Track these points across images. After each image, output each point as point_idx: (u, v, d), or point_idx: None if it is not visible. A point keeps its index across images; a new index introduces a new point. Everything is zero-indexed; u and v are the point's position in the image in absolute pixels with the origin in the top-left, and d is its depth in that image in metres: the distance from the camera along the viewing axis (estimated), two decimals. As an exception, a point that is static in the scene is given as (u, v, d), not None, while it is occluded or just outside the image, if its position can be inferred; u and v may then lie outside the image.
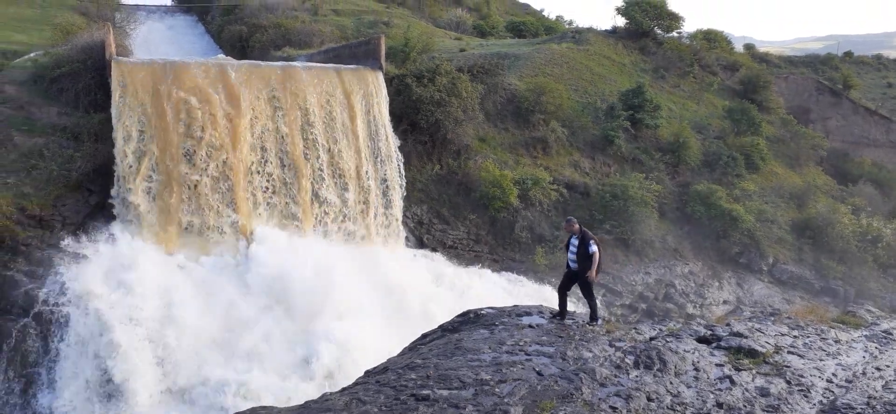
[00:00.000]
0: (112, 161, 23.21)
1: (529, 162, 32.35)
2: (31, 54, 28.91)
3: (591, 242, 12.02)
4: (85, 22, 34.84)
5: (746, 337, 11.23)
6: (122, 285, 20.99)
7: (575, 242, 12.23)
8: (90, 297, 20.68)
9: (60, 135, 24.31)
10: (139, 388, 19.17)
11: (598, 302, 12.84)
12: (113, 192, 23.14)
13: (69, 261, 21.75)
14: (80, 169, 23.62)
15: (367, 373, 11.16)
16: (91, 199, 23.88)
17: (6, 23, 36.97)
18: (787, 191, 37.74)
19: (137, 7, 51.66)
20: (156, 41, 43.61)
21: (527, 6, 73.14)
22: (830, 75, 52.35)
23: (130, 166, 23.05)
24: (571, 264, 12.38)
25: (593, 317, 12.54)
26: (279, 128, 25.24)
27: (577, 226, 12.35)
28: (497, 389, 9.16)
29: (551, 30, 57.61)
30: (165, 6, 57.23)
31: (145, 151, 23.16)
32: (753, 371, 9.99)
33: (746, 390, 9.34)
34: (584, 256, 11.99)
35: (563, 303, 12.67)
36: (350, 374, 17.37)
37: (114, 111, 23.17)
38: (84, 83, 25.18)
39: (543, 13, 71.96)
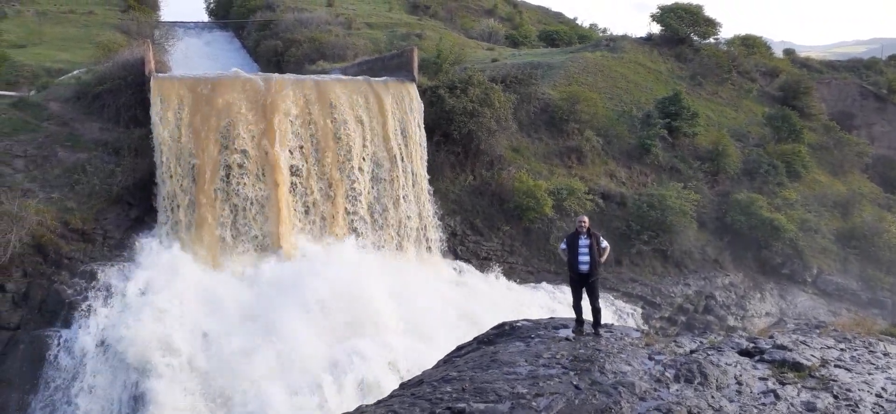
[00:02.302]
0: (152, 175, 23.70)
1: (564, 172, 32.09)
2: (75, 72, 29.74)
3: (602, 237, 11.95)
4: (126, 39, 35.77)
5: (791, 350, 10.88)
6: (162, 298, 21.29)
7: (585, 241, 11.82)
8: (130, 309, 21.02)
9: (102, 150, 24.92)
10: (176, 402, 19.38)
11: (637, 314, 12.59)
12: (156, 206, 23.56)
13: (111, 274, 22.19)
14: (120, 183, 24.17)
15: (403, 385, 11.09)
16: (131, 213, 24.38)
17: (51, 42, 38.13)
18: (831, 199, 36.77)
19: (176, 24, 52.83)
20: (194, 57, 44.49)
21: (560, 15, 72.84)
22: (875, 80, 50.91)
23: (169, 180, 23.46)
24: (583, 266, 11.87)
25: (598, 322, 12.20)
26: (314, 140, 25.46)
27: (588, 224, 12.06)
28: (534, 403, 9.00)
29: (585, 38, 57.25)
30: (203, 23, 58.44)
31: (184, 165, 23.55)
32: (799, 385, 9.66)
33: (792, 405, 9.04)
34: (596, 255, 11.72)
35: (581, 312, 12.31)
36: (385, 386, 17.36)
37: (154, 126, 23.63)
38: (125, 99, 25.79)
39: (577, 21, 71.53)
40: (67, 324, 21.17)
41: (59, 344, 20.81)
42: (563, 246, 12.33)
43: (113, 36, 36.96)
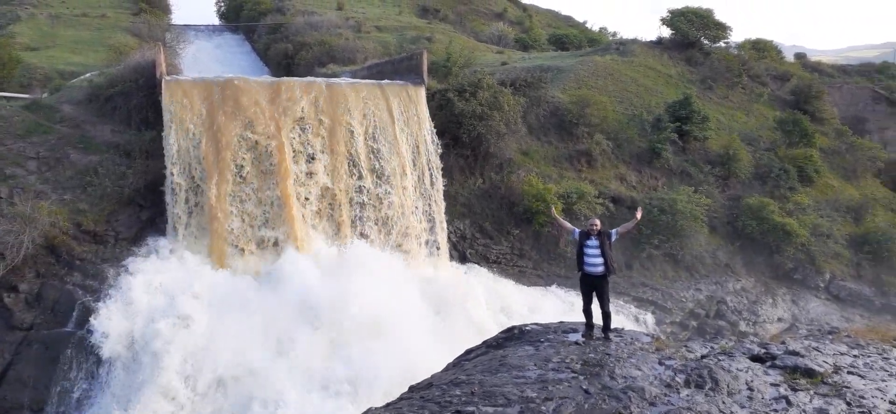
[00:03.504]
0: (163, 177, 23.82)
1: (574, 175, 32.01)
2: (87, 75, 29.96)
3: (611, 231, 11.95)
4: (137, 42, 36.03)
5: (803, 356, 10.78)
6: (172, 300, 21.40)
7: (594, 242, 11.68)
8: (141, 311, 21.13)
9: (114, 152, 25.09)
10: (183, 402, 19.45)
11: (648, 319, 12.53)
12: (167, 208, 23.69)
13: (122, 275, 22.31)
14: (132, 185, 24.33)
15: (412, 388, 11.07)
16: (143, 215, 24.53)
17: (64, 44, 38.45)
18: (844, 204, 36.49)
19: (187, 27, 53.20)
20: (204, 60, 44.77)
21: (569, 18, 72.82)
22: (887, 84, 50.51)
23: (181, 182, 23.58)
24: (594, 268, 11.72)
25: (608, 326, 12.08)
26: (325, 143, 25.52)
27: (599, 225, 11.95)
28: (543, 407, 8.97)
29: (595, 42, 57.18)
30: (213, 26, 58.81)
31: (195, 168, 23.66)
32: (811, 392, 9.57)
33: (804, 411, 8.95)
34: (607, 252, 11.64)
35: (591, 316, 12.23)
36: (394, 389, 17.32)
37: (165, 128, 23.76)
38: (136, 102, 25.97)
39: (586, 25, 71.46)
40: (80, 324, 21.31)
41: (72, 344, 20.94)
42: (575, 234, 12.24)
43: (125, 39, 37.24)
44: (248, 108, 24.42)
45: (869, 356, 11.32)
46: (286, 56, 43.72)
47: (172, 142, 23.61)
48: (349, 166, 25.93)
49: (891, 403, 9.40)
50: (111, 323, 20.88)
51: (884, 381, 10.17)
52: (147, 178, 24.53)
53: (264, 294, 22.57)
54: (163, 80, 24.53)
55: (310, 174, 25.17)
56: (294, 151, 24.88)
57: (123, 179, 24.35)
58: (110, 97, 26.42)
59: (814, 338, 12.79)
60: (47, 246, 22.53)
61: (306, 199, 25.06)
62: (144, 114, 25.86)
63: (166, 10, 53.67)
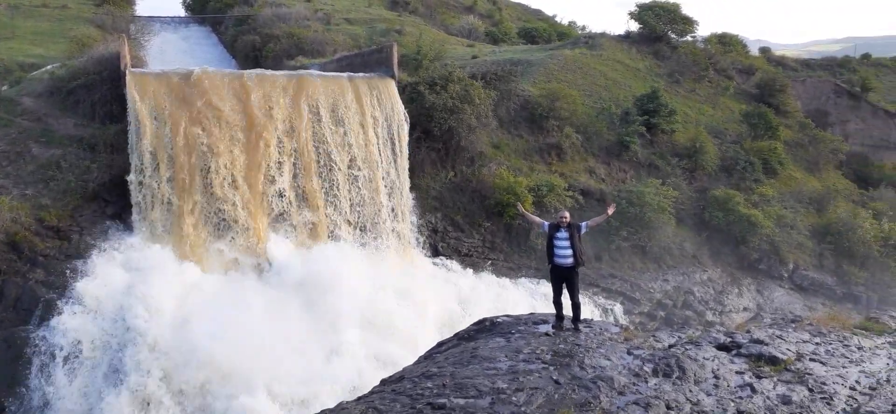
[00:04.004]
0: (128, 172, 23.37)
1: (544, 168, 32.19)
2: (48, 67, 29.22)
3: (582, 223, 12.11)
4: (100, 34, 35.23)
5: (767, 344, 11.02)
6: (138, 297, 21.05)
7: (563, 234, 11.83)
8: (106, 308, 20.77)
9: (77, 146, 24.54)
10: (152, 399, 19.18)
11: (617, 309, 12.71)
12: (133, 203, 23.26)
13: (87, 272, 21.88)
14: (96, 180, 23.85)
15: (383, 381, 11.08)
16: (108, 210, 24.06)
17: (24, 36, 37.44)
18: (807, 196, 37.27)
19: (152, 18, 52.14)
20: (170, 52, 43.94)
21: (539, 12, 73.04)
22: (848, 78, 51.67)
23: (146, 177, 23.17)
24: (564, 260, 11.88)
25: (578, 317, 12.24)
26: (293, 136, 25.28)
27: (568, 217, 12.08)
28: (514, 398, 9.04)
29: (564, 35, 57.45)
30: (179, 17, 57.74)
31: (161, 162, 23.27)
32: (775, 379, 9.79)
33: (768, 398, 9.15)
34: (577, 244, 11.77)
35: (561, 307, 12.37)
36: (366, 382, 17.31)
37: (130, 122, 23.32)
38: (100, 95, 25.42)
39: (556, 19, 71.77)
40: (43, 322, 20.86)
41: (35, 342, 20.49)
42: (544, 226, 12.37)
43: (87, 30, 36.34)
44: (215, 102, 24.07)
45: (830, 343, 11.61)
46: (254, 48, 43.12)
47: (138, 136, 23.18)
48: (318, 160, 25.72)
49: (851, 388, 9.66)
50: (75, 321, 20.49)
51: (844, 367, 10.44)
52: (112, 172, 24.04)
53: (230, 288, 22.35)
54: (127, 73, 24.06)
55: (279, 169, 24.91)
56: (261, 144, 24.59)
57: (87, 174, 23.85)
58: (73, 90, 25.83)
59: (778, 326, 13.07)
60: (8, 242, 21.98)
61: (275, 193, 24.80)
62: (109, 107, 25.32)
63: (130, 1, 52.52)
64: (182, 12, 60.16)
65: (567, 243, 11.81)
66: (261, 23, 45.22)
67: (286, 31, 42.95)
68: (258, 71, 27.57)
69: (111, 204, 24.12)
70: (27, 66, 30.38)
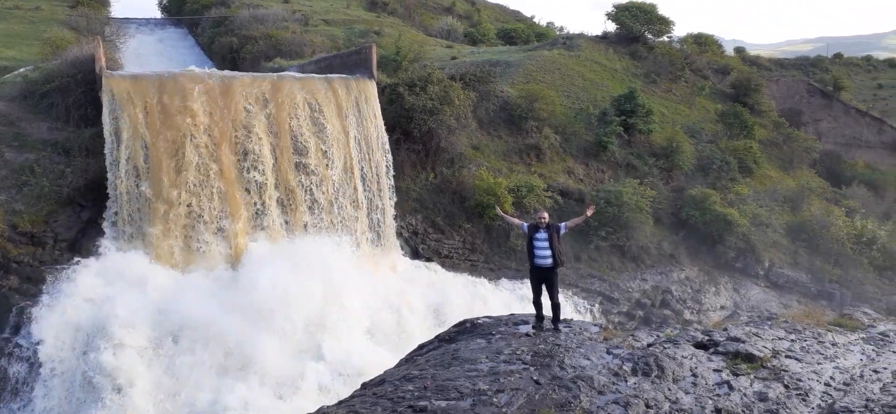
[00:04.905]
0: (104, 176, 23.04)
1: (523, 169, 32.33)
2: (21, 70, 28.75)
3: (560, 224, 12.12)
4: (75, 36, 34.70)
5: (744, 342, 11.17)
6: (115, 302, 20.75)
7: (543, 235, 11.88)
8: (82, 314, 20.46)
9: (51, 150, 24.16)
10: (133, 407, 18.95)
11: (596, 309, 12.78)
12: (109, 207, 22.94)
13: (62, 278, 21.55)
14: (71, 184, 23.49)
15: (364, 385, 11.05)
16: (83, 215, 23.72)
17: (-4, 38, 36.82)
18: (781, 194, 37.79)
19: (127, 20, 51.56)
20: (146, 54, 43.52)
21: (517, 13, 73.40)
22: (821, 77, 52.62)
23: (122, 181, 22.87)
24: (543, 261, 11.93)
25: (557, 317, 12.29)
26: (271, 138, 25.12)
27: (547, 218, 12.15)
28: (495, 399, 9.07)
29: (542, 36, 57.79)
30: (155, 19, 57.18)
31: (137, 165, 22.99)
32: (751, 376, 9.92)
33: (745, 395, 9.28)
34: (556, 245, 11.82)
35: (541, 308, 12.45)
36: (347, 387, 17.26)
37: (105, 125, 23.01)
38: (74, 98, 25.05)
39: (534, 20, 72.13)
40: (17, 330, 20.51)
41: (8, 351, 20.14)
42: (524, 227, 12.45)
43: (61, 32, 35.79)
44: (192, 104, 23.84)
45: (805, 340, 11.79)
46: (231, 50, 42.85)
47: (113, 139, 22.87)
48: (295, 161, 25.57)
49: (826, 384, 9.82)
50: (50, 330, 20.14)
51: (819, 363, 10.61)
52: (87, 176, 23.69)
53: (211, 293, 22.13)
54: (103, 76, 23.73)
55: (257, 171, 24.73)
56: (239, 147, 24.41)
57: (62, 179, 23.49)
58: (46, 93, 25.43)
59: (754, 324, 13.24)
60: (-19, 248, 21.60)
61: (253, 197, 24.62)
62: (83, 110, 24.96)
63: (105, 2, 51.88)
64: (158, 14, 59.59)
65: (546, 244, 11.87)
66: (238, 24, 44.96)
67: (264, 32, 42.75)
68: (235, 72, 27.36)
69: (87, 209, 23.78)
70: (-1, 69, 29.89)
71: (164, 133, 23.21)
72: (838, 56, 63.72)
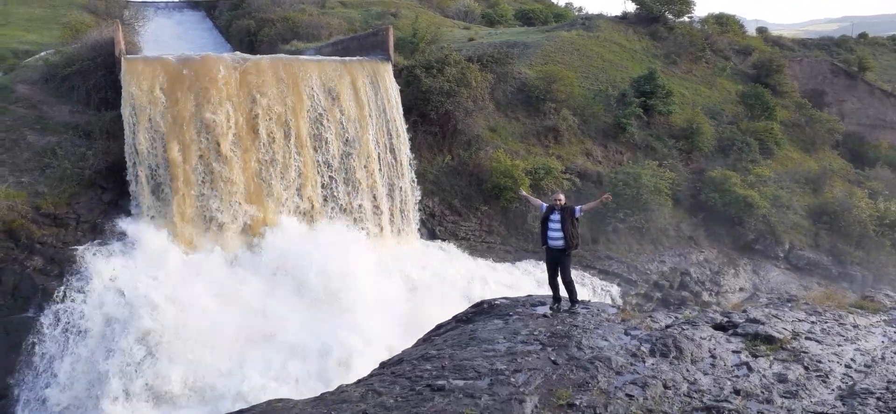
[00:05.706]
0: (124, 158, 23.32)
1: (541, 151, 32.18)
2: (42, 53, 29.07)
3: (576, 207, 11.99)
4: (94, 20, 35.00)
5: (763, 323, 11.08)
6: (138, 282, 21.09)
7: (556, 217, 11.85)
8: (106, 294, 20.79)
9: (73, 133, 24.47)
10: (157, 383, 19.26)
11: (614, 290, 12.72)
12: (130, 189, 23.23)
13: (84, 258, 21.89)
14: (93, 167, 23.79)
15: (383, 364, 11.13)
16: (105, 197, 24.03)
17: (17, 22, 37.24)
18: (803, 176, 37.34)
19: (146, 3, 51.85)
20: (165, 37, 43.73)
21: (535, -7, 72.57)
22: (845, 58, 51.62)
23: (143, 163, 23.12)
24: (555, 242, 11.91)
25: (574, 298, 12.25)
26: (290, 120, 25.21)
27: (563, 200, 12.10)
28: (512, 379, 9.10)
29: (561, 17, 57.26)
30: (174, 2, 57.42)
31: (158, 147, 23.22)
32: (771, 357, 9.85)
33: (764, 377, 9.22)
34: (571, 226, 11.76)
35: (557, 289, 12.42)
36: (366, 365, 17.39)
37: (124, 108, 23.23)
38: (95, 81, 25.30)
39: (552, 0, 71.41)
40: (41, 309, 20.88)
41: (34, 329, 20.53)
42: (542, 208, 12.41)
43: (81, 16, 36.09)
44: (211, 86, 23.97)
45: (826, 322, 11.67)
46: (249, 33, 42.95)
47: (134, 121, 23.09)
48: (314, 143, 25.68)
49: (846, 366, 9.73)
50: (73, 307, 20.52)
51: (839, 345, 10.51)
52: (108, 159, 23.99)
53: (230, 270, 22.40)
54: (122, 59, 23.93)
55: (276, 153, 24.87)
56: (258, 129, 24.53)
57: (83, 161, 23.79)
58: (67, 76, 25.70)
59: (773, 306, 13.12)
60: (5, 230, 21.95)
61: (273, 178, 24.77)
62: (104, 93, 25.21)
63: (124, -14, 52.14)
64: (176, -3, 59.74)
65: (559, 226, 11.82)
66: (255, 7, 45.02)
67: (281, 15, 42.80)
68: (253, 55, 27.44)
69: (108, 191, 24.09)
70: (21, 53, 30.26)
71: (183, 116, 23.38)
72: (863, 36, 62.43)
